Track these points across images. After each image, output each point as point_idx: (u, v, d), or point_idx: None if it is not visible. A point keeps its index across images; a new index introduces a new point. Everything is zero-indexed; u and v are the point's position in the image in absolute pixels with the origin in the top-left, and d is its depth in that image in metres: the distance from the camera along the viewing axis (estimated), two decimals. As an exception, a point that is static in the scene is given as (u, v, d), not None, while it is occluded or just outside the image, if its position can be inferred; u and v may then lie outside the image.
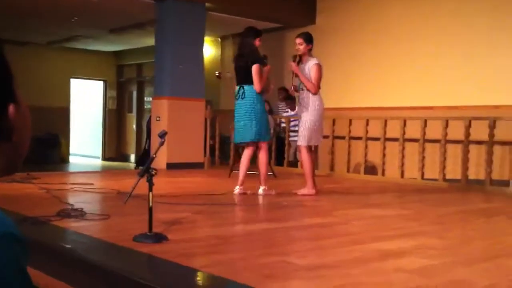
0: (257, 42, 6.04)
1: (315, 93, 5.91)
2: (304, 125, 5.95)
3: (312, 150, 6.28)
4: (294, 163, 9.34)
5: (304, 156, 5.96)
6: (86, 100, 16.23)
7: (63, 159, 14.23)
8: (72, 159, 14.79)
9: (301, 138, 5.97)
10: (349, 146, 8.72)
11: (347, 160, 8.74)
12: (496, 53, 7.96)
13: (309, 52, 6.04)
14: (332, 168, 9.00)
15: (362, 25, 9.60)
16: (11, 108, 0.85)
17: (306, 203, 5.44)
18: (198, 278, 2.73)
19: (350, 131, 8.72)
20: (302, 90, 6.02)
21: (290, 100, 9.62)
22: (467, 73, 8.24)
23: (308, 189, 5.94)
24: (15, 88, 0.86)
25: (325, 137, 9.03)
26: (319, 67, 5.95)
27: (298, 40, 6.02)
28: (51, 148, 13.56)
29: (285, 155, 9.53)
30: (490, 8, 8.06)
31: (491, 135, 7.10)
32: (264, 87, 5.98)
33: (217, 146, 9.79)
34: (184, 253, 3.03)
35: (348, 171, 8.77)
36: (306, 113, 5.95)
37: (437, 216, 4.87)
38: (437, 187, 7.36)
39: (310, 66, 5.97)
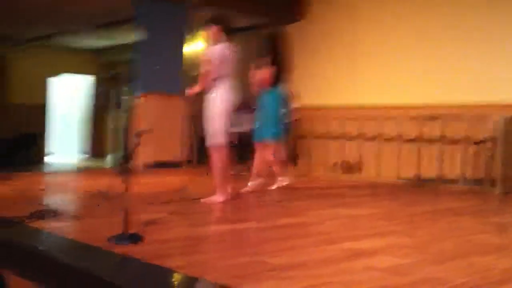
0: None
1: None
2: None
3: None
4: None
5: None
6: (66, 98, 16.07)
7: (40, 159, 14.09)
8: (50, 158, 14.64)
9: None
10: (326, 145, 8.78)
11: (324, 160, 8.80)
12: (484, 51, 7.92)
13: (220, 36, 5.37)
14: (309, 168, 9.06)
15: (352, 22, 9.39)
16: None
17: (280, 203, 5.47)
18: (173, 279, 2.75)
19: (328, 131, 8.77)
20: None
21: None
22: (443, 72, 8.24)
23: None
24: None
25: (303, 136, 9.12)
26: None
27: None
28: (28, 147, 13.41)
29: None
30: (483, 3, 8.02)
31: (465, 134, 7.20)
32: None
33: (195, 145, 9.77)
34: (159, 254, 3.05)
35: (325, 171, 8.83)
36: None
37: (408, 215, 4.95)
38: (411, 186, 7.45)
39: None
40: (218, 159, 5.24)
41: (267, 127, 6.21)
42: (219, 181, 5.25)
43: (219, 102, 5.20)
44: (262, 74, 6.03)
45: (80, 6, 9.75)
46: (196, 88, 5.32)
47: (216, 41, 5.33)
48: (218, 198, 5.24)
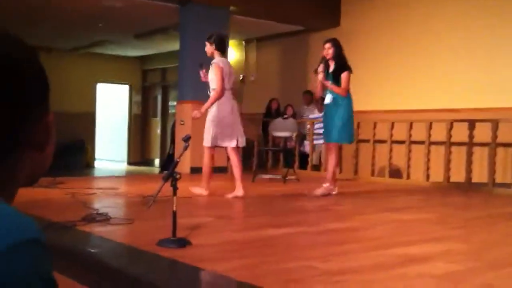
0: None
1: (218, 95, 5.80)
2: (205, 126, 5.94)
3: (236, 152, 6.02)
4: (318, 166, 9.31)
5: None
6: (111, 105, 16.40)
7: (89, 164, 14.40)
8: (97, 164, 14.95)
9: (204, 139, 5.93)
10: (374, 149, 8.67)
11: (371, 164, 8.69)
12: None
13: (215, 52, 5.90)
14: (356, 172, 8.95)
15: (386, 28, 9.54)
16: (51, 117, 0.86)
17: (329, 207, 5.41)
18: (222, 283, 2.73)
19: (374, 134, 8.66)
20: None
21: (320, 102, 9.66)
22: (493, 75, 8.12)
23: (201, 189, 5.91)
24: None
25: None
26: (218, 66, 5.80)
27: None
28: (76, 153, 13.73)
29: (309, 159, 9.52)
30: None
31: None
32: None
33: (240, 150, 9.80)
34: (207, 258, 3.04)
35: (372, 174, 8.71)
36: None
37: (463, 220, 4.81)
38: (462, 190, 7.26)
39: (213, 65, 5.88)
40: (207, 158, 5.92)
41: (343, 131, 6.19)
42: (204, 178, 5.95)
43: (216, 112, 5.82)
44: (343, 79, 6.09)
45: (124, 16, 9.95)
46: (204, 108, 5.91)
47: (213, 57, 5.93)
48: (237, 192, 5.82)
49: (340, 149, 6.86)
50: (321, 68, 6.24)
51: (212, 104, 5.84)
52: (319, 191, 6.16)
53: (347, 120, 6.17)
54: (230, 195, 5.86)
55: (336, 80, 6.14)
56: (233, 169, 6.00)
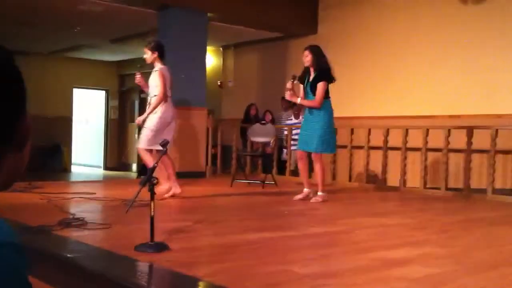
0: None
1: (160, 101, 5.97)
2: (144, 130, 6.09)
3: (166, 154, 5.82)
4: (296, 171, 9.32)
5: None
6: (88, 110, 16.25)
7: (65, 169, 14.24)
8: (74, 168, 14.79)
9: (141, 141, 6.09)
10: (351, 155, 8.71)
11: (349, 169, 8.73)
12: (497, 62, 7.96)
13: (156, 60, 6.15)
14: (334, 177, 9.00)
15: (364, 34, 9.63)
16: (28, 119, 0.86)
17: (308, 212, 5.41)
18: (200, 287, 2.71)
19: (352, 140, 8.72)
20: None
21: (297, 107, 9.72)
22: (468, 82, 8.25)
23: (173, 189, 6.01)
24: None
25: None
26: (161, 73, 6.02)
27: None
28: (52, 157, 13.58)
29: (287, 164, 9.53)
30: (489, 16, 8.06)
31: (494, 144, 7.10)
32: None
33: (219, 155, 9.78)
34: (185, 262, 3.02)
35: (350, 180, 8.75)
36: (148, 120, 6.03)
37: (441, 225, 4.85)
38: (439, 196, 7.35)
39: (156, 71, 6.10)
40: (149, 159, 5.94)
41: (325, 141, 5.98)
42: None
43: (159, 119, 5.96)
44: (317, 90, 5.87)
45: (102, 21, 9.88)
46: (147, 114, 6.08)
47: (154, 65, 6.17)
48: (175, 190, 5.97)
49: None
50: (289, 85, 6.01)
51: (154, 110, 5.99)
52: (319, 199, 6.02)
53: (327, 129, 5.94)
54: (167, 195, 5.94)
55: (314, 90, 5.92)
56: (167, 169, 6.03)
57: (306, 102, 6.00)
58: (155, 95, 6.01)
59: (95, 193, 6.29)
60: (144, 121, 6.11)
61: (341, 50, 9.75)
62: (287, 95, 6.05)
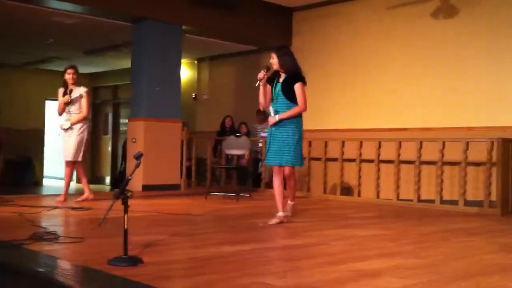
0: None
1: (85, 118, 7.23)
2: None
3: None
4: (271, 184, 9.32)
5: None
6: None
7: (37, 182, 14.02)
8: (46, 181, 14.57)
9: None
10: (325, 167, 8.76)
11: (323, 182, 8.77)
12: (468, 76, 8.11)
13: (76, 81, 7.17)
14: (308, 189, 9.03)
15: (337, 47, 9.72)
16: (1, 132, 0.84)
17: (283, 224, 5.41)
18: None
19: (326, 153, 8.77)
20: None
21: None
22: (440, 96, 8.38)
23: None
24: None
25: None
26: (88, 95, 7.25)
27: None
28: (24, 170, 13.36)
29: (262, 176, 9.54)
30: (460, 32, 8.22)
31: (465, 156, 7.22)
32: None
33: (193, 168, 9.75)
34: (160, 275, 2.99)
35: (324, 192, 8.79)
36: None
37: (415, 236, 4.89)
38: (412, 207, 7.42)
39: (82, 92, 7.16)
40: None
41: (296, 153, 5.44)
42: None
43: (84, 133, 7.26)
44: (298, 92, 5.34)
45: (75, 32, 9.81)
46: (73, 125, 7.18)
47: (75, 83, 7.16)
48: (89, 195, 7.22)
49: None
50: (261, 74, 5.35)
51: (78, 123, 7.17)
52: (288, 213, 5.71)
53: (298, 140, 5.42)
54: (80, 198, 7.12)
55: (286, 92, 5.35)
56: (82, 179, 7.46)
57: (290, 113, 5.33)
58: (79, 112, 7.20)
59: (68, 207, 6.21)
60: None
61: (315, 62, 9.82)
62: (261, 83, 5.40)
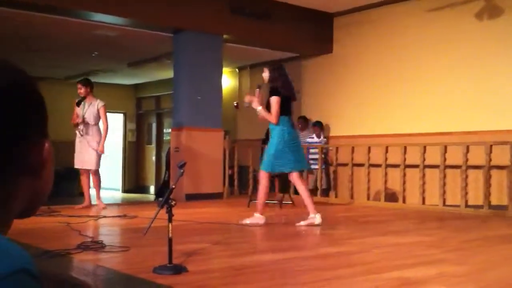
0: None
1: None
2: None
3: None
4: (315, 191, 9.31)
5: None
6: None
7: (82, 193, 14.29)
8: (90, 192, 14.84)
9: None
10: (369, 173, 8.68)
11: (367, 188, 8.69)
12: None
13: (90, 94, 7.59)
14: (352, 196, 8.95)
15: (379, 53, 9.63)
16: (47, 144, 0.87)
17: (324, 232, 5.39)
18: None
19: (369, 159, 8.68)
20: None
21: (318, 126, 9.76)
22: (485, 98, 8.19)
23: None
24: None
25: (344, 165, 9.07)
26: (105, 108, 7.76)
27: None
28: (70, 181, 13.65)
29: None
30: (504, 32, 8.03)
31: (512, 159, 7.04)
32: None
33: (235, 176, 9.80)
34: (203, 284, 3.03)
35: (368, 199, 8.71)
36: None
37: (459, 242, 4.80)
38: (459, 213, 7.27)
39: (98, 106, 7.67)
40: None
41: (275, 157, 5.83)
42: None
43: (96, 142, 7.69)
44: (271, 105, 5.79)
45: (118, 45, 10.02)
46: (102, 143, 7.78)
47: (88, 95, 7.64)
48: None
49: (300, 174, 6.10)
50: (256, 93, 5.97)
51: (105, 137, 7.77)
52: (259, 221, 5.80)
53: (283, 147, 5.74)
54: (81, 206, 7.73)
55: (268, 106, 5.84)
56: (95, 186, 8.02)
57: (263, 112, 5.82)
58: (96, 123, 7.87)
59: (114, 216, 6.33)
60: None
61: (357, 69, 9.77)
62: (254, 102, 5.89)
